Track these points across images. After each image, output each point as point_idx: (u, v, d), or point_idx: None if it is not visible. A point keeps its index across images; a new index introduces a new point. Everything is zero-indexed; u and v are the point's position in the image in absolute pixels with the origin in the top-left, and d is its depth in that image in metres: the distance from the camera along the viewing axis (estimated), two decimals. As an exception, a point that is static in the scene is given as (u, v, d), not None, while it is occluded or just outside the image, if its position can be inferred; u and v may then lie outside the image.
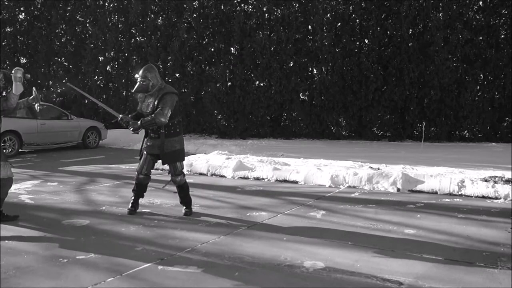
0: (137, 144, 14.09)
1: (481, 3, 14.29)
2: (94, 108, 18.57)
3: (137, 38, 17.96)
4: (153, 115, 4.95)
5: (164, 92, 5.07)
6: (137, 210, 5.33)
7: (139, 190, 5.33)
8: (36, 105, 5.13)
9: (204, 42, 16.79)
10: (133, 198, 5.36)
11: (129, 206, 5.33)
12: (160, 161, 5.32)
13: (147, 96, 5.19)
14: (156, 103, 5.06)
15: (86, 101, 18.68)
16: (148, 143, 5.21)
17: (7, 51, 19.54)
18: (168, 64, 17.06)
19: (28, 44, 19.55)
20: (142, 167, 5.24)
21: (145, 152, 5.24)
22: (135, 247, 4.03)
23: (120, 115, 5.20)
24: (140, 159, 5.32)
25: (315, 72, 15.96)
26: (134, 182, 5.38)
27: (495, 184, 6.37)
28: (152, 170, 5.39)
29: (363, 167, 8.07)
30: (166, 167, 7.27)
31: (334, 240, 4.26)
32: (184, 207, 5.31)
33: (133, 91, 5.32)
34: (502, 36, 14.17)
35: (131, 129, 5.07)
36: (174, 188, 5.38)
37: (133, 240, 4.24)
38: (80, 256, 3.78)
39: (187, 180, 5.38)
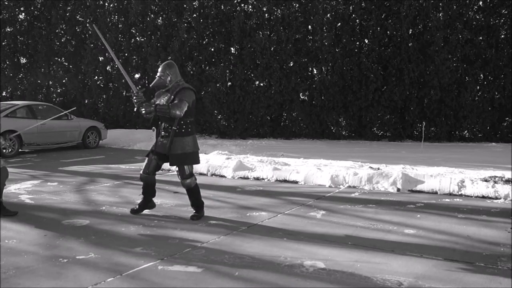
0: (137, 144, 14.15)
1: (481, 3, 14.30)
2: (94, 108, 18.57)
3: (137, 38, 17.96)
4: (170, 105, 4.78)
5: (183, 87, 4.95)
6: (141, 211, 5.22)
7: (145, 190, 5.17)
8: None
9: (204, 42, 16.80)
10: (142, 198, 5.24)
11: (136, 206, 5.27)
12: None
13: (163, 92, 5.05)
14: (172, 97, 4.91)
15: (86, 101, 18.68)
16: (159, 142, 5.03)
17: (7, 51, 19.53)
18: (168, 64, 17.03)
19: (28, 44, 19.55)
20: (145, 166, 5.13)
21: (151, 153, 5.10)
22: (135, 247, 4.03)
23: (137, 90, 4.97)
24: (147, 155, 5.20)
25: (315, 72, 15.96)
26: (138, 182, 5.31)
27: (495, 184, 6.37)
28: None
29: (363, 167, 8.07)
30: (166, 166, 7.25)
31: (334, 240, 4.26)
32: (194, 211, 5.14)
33: (150, 85, 5.19)
34: (502, 36, 14.17)
35: (143, 111, 4.88)
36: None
37: (133, 240, 4.24)
38: (80, 256, 3.78)
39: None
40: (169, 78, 4.99)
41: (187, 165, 5.00)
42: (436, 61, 13.87)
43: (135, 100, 4.97)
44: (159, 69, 5.07)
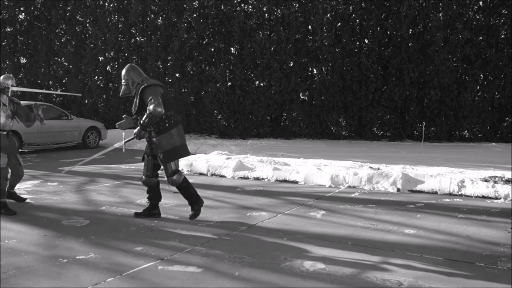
0: (137, 144, 14.14)
1: (481, 3, 14.30)
2: (94, 108, 18.58)
3: (137, 38, 17.97)
4: (147, 112, 4.65)
5: (143, 86, 4.79)
6: (144, 215, 5.10)
7: (150, 194, 5.11)
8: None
9: (204, 42, 16.80)
10: (147, 203, 5.16)
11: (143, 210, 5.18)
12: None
13: (134, 97, 4.96)
14: (137, 100, 4.82)
15: (86, 101, 18.69)
16: (147, 144, 5.04)
17: (7, 51, 19.55)
18: (168, 64, 17.08)
19: (28, 44, 19.57)
20: (144, 169, 5.12)
21: (145, 154, 5.09)
22: (135, 247, 4.03)
23: (124, 142, 5.21)
24: (142, 160, 5.20)
25: (315, 72, 15.97)
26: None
27: (495, 184, 6.37)
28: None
29: (363, 167, 8.07)
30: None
31: (334, 240, 4.26)
32: (191, 210, 5.01)
33: (120, 95, 5.18)
34: (502, 36, 14.18)
35: (142, 134, 4.84)
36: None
37: (133, 240, 4.23)
38: (80, 256, 3.78)
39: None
40: (130, 82, 4.92)
41: (171, 162, 4.86)
42: (436, 61, 13.87)
43: (131, 140, 5.18)
44: (121, 76, 5.02)
